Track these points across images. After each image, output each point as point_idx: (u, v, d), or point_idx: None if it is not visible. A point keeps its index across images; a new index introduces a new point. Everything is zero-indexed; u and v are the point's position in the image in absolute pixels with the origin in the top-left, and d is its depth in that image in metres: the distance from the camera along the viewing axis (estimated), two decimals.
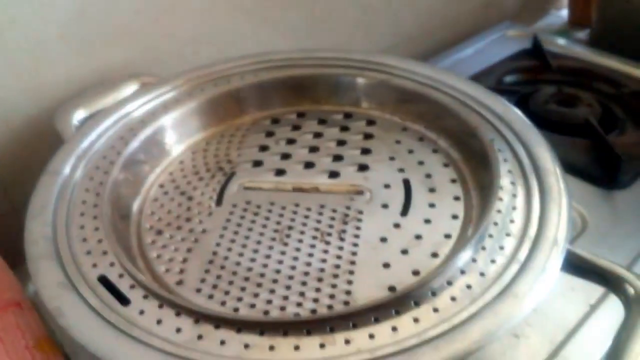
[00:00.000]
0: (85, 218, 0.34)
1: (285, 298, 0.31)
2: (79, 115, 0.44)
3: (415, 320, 0.26)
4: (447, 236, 0.33)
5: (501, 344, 0.36)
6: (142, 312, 0.28)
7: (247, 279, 0.32)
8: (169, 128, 0.42)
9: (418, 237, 0.33)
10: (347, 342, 0.26)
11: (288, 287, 0.31)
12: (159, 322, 0.28)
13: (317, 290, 0.31)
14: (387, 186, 0.37)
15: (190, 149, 0.43)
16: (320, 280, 0.31)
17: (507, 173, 0.34)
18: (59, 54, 0.47)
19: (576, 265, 0.29)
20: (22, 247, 0.32)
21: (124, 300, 0.29)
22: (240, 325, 0.27)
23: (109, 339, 0.27)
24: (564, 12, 0.75)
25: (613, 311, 0.31)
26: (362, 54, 0.46)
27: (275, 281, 0.32)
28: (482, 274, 0.28)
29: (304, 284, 0.31)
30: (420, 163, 0.39)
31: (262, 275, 0.32)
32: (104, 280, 0.30)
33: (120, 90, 0.46)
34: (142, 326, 0.27)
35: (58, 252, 0.32)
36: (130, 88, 0.46)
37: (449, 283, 0.28)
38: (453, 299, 0.27)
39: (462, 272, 0.28)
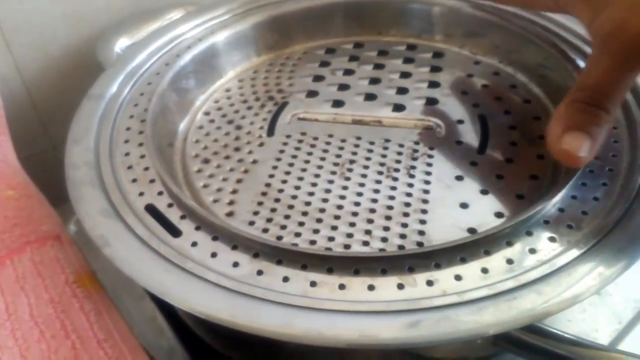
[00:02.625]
0: (130, 145, 0.31)
1: (350, 236, 0.27)
2: (121, 43, 0.40)
3: (509, 261, 0.22)
4: (533, 177, 0.29)
5: (578, 306, 0.32)
6: (194, 244, 0.25)
7: (305, 213, 0.28)
8: (213, 54, 0.38)
9: (499, 177, 0.29)
10: (429, 283, 0.22)
11: (352, 224, 0.28)
12: (213, 255, 0.25)
13: (386, 229, 0.27)
14: (460, 122, 0.33)
15: (237, 77, 0.39)
16: (388, 218, 0.28)
17: None
18: None
19: None
20: (62, 185, 0.29)
21: (174, 231, 0.26)
22: (306, 261, 0.23)
23: (159, 271, 0.24)
24: None
25: None
26: None
27: (337, 217, 0.28)
28: (584, 212, 0.24)
29: (370, 221, 0.28)
30: (498, 99, 0.34)
31: (322, 210, 0.29)
32: (152, 210, 0.27)
33: (163, 17, 0.42)
34: (195, 259, 0.24)
35: (102, 178, 0.28)
36: (174, 15, 0.42)
37: (546, 222, 0.24)
38: (552, 239, 0.23)
39: (561, 210, 0.25)
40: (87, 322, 0.27)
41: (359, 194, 0.29)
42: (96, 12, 0.45)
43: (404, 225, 0.27)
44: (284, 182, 0.30)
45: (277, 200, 0.29)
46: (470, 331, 0.20)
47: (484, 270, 0.22)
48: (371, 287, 0.22)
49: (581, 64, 0.32)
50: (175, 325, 0.31)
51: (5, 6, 0.41)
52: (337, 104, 0.36)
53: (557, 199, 0.25)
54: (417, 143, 0.32)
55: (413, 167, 0.30)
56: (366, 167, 0.31)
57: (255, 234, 0.25)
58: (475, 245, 0.23)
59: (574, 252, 0.23)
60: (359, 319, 0.21)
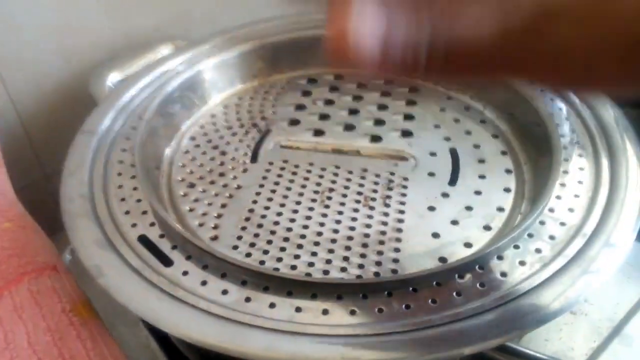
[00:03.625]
0: (122, 178, 0.32)
1: (328, 262, 0.29)
2: (113, 77, 0.41)
3: (482, 285, 0.25)
4: (500, 209, 0.31)
5: (557, 321, 0.34)
6: (185, 273, 0.26)
7: (286, 239, 0.30)
8: (200, 80, 0.39)
9: (468, 208, 0.32)
10: (407, 307, 0.24)
11: (331, 251, 0.29)
12: (203, 283, 0.26)
13: (362, 256, 0.29)
14: (433, 154, 0.35)
15: (222, 103, 0.40)
16: (365, 246, 0.30)
17: (568, 144, 0.32)
18: (91, 16, 0.45)
19: None
20: (57, 215, 0.30)
21: (166, 260, 0.27)
22: (291, 288, 0.25)
23: (152, 299, 0.25)
24: None
25: None
26: None
27: (316, 244, 0.30)
28: (551, 238, 0.27)
29: (347, 248, 0.29)
30: (468, 133, 0.37)
31: (302, 236, 0.30)
32: (145, 240, 0.28)
33: (153, 52, 0.43)
34: (186, 287, 0.26)
35: (95, 210, 0.30)
36: (163, 51, 0.43)
37: (516, 247, 0.27)
38: (522, 263, 0.26)
39: (530, 235, 0.27)
40: (83, 349, 0.28)
41: (338, 222, 0.31)
42: (88, 47, 0.46)
43: (380, 253, 0.29)
44: (267, 208, 0.32)
45: (259, 225, 0.31)
46: (446, 354, 0.22)
47: (458, 294, 0.24)
48: (353, 312, 0.24)
49: (547, 105, 0.35)
50: (168, 351, 0.32)
51: (1, 45, 0.42)
52: (318, 132, 0.37)
53: (526, 225, 0.27)
54: (392, 174, 0.34)
55: (388, 197, 0.32)
56: (344, 195, 0.33)
57: (244, 262, 0.26)
58: (449, 271, 0.25)
59: (542, 275, 0.25)
60: (341, 342, 0.23)
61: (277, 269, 0.28)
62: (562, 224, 0.28)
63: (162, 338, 0.33)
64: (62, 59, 0.45)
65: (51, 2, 0.42)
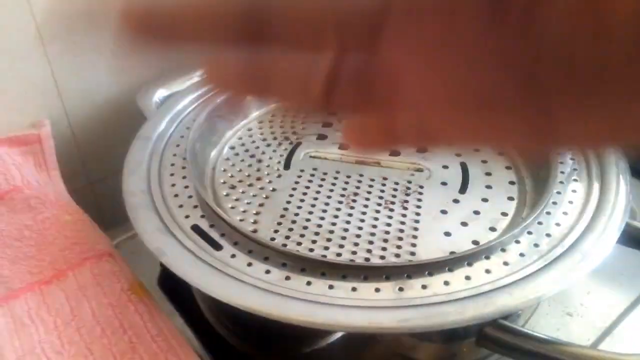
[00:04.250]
0: (175, 177, 0.37)
1: (354, 253, 0.33)
2: (160, 94, 0.46)
3: (487, 271, 0.29)
4: (504, 214, 0.36)
5: (555, 321, 0.38)
6: (233, 256, 0.31)
7: (317, 233, 0.35)
8: (238, 99, 0.44)
9: (476, 212, 0.36)
10: (423, 287, 0.28)
11: (356, 244, 0.34)
12: (249, 264, 0.30)
13: (384, 249, 0.33)
14: (445, 167, 0.40)
15: (257, 119, 0.45)
16: (385, 240, 0.34)
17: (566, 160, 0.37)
18: None
19: (634, 238, 0.32)
20: (101, 217, 0.34)
21: (216, 245, 0.31)
22: (325, 270, 0.29)
23: (206, 274, 0.29)
24: None
25: None
26: None
27: (343, 238, 0.34)
28: (548, 235, 0.31)
29: (370, 242, 0.34)
30: (476, 150, 0.41)
31: (330, 232, 0.35)
32: (197, 229, 0.33)
33: (195, 73, 0.48)
34: (234, 267, 0.30)
35: (154, 203, 0.34)
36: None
37: (517, 242, 0.31)
38: (522, 254, 0.30)
39: (529, 232, 0.31)
40: (141, 321, 0.32)
41: (362, 220, 0.35)
42: (137, 67, 0.51)
43: (399, 247, 0.34)
44: (299, 207, 0.37)
45: (293, 221, 0.35)
46: (455, 322, 0.26)
47: (467, 278, 0.29)
48: (377, 290, 0.28)
49: None
50: (203, 339, 0.36)
51: (62, 59, 0.47)
52: (343, 146, 0.42)
53: (527, 222, 0.31)
54: (409, 182, 0.39)
55: (406, 201, 0.37)
56: (367, 199, 0.37)
57: (284, 248, 0.31)
58: (460, 259, 0.29)
59: (538, 264, 0.29)
60: (368, 312, 0.27)
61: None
62: (557, 224, 0.32)
63: (196, 327, 0.37)
64: (113, 76, 0.50)
65: (108, 22, 0.48)
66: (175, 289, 0.40)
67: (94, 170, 0.54)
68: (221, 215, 0.32)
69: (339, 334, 0.33)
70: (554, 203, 0.34)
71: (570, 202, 0.34)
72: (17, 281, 0.34)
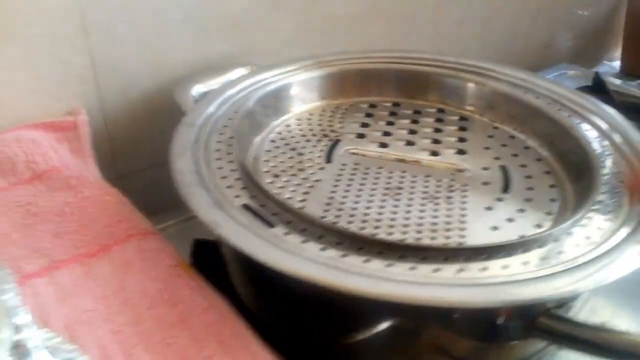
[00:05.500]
0: (221, 162, 0.37)
1: (403, 240, 0.33)
2: (197, 89, 0.47)
3: (543, 258, 0.29)
4: (548, 213, 0.36)
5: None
6: (287, 234, 0.31)
7: (364, 221, 0.35)
8: (283, 93, 0.45)
9: (521, 210, 0.36)
10: (482, 269, 0.28)
11: (404, 233, 0.34)
12: (304, 242, 0.30)
13: (432, 238, 0.33)
14: (485, 168, 0.40)
15: (295, 117, 0.46)
16: (434, 231, 0.34)
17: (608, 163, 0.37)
18: (179, 36, 0.51)
19: None
20: None
21: (269, 223, 0.31)
22: (383, 249, 0.29)
23: (263, 247, 0.29)
24: (617, 64, 0.81)
25: None
26: (455, 57, 0.50)
27: (391, 226, 0.34)
28: (599, 228, 0.31)
29: (419, 232, 0.34)
30: (514, 155, 0.42)
31: (378, 220, 0.35)
32: (248, 208, 0.33)
33: (230, 73, 0.49)
34: (290, 243, 0.30)
35: (204, 182, 0.34)
36: (240, 72, 0.49)
37: (569, 234, 0.31)
38: (577, 245, 0.30)
39: (581, 226, 0.32)
40: (190, 294, 0.31)
41: (408, 212, 0.36)
42: (173, 64, 0.52)
43: (447, 237, 0.34)
44: (344, 197, 0.37)
45: (339, 209, 0.36)
46: (514, 301, 0.26)
47: (525, 263, 0.29)
48: (436, 270, 0.28)
49: (584, 132, 0.40)
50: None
51: (101, 52, 0.48)
52: (382, 145, 0.43)
53: (579, 216, 0.32)
54: (452, 180, 0.39)
55: (450, 197, 0.37)
56: (412, 193, 0.37)
57: (341, 227, 0.31)
58: (516, 245, 0.30)
59: (594, 253, 0.29)
60: (430, 287, 0.27)
61: None
62: (609, 220, 0.32)
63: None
64: (150, 71, 0.51)
65: (147, 20, 0.49)
66: (206, 278, 0.40)
67: (123, 165, 0.53)
68: (273, 194, 0.33)
69: (382, 325, 0.32)
70: (600, 201, 0.34)
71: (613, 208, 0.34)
72: (61, 253, 0.34)
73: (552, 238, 0.31)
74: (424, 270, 0.28)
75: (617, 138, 0.40)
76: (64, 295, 0.31)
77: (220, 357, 0.28)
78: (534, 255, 0.30)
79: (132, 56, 0.50)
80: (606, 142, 0.40)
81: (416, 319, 0.32)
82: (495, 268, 0.29)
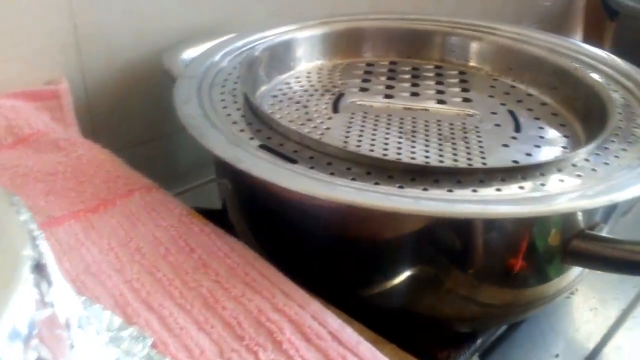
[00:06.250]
0: (229, 109, 0.35)
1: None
2: (188, 54, 0.44)
3: (542, 184, 0.28)
4: (564, 147, 0.36)
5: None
6: (312, 167, 0.29)
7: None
8: (275, 55, 0.44)
9: (537, 146, 0.36)
10: (497, 189, 0.27)
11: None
12: (332, 174, 0.28)
13: None
14: (494, 113, 0.40)
15: (293, 76, 0.44)
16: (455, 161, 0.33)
17: (617, 98, 0.37)
18: (166, 2, 0.49)
19: None
20: None
21: (291, 160, 0.30)
22: (414, 175, 0.28)
23: (292, 176, 0.27)
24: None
25: None
26: (448, 17, 0.49)
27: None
28: (616, 157, 0.31)
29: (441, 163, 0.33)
30: (519, 101, 0.42)
31: (398, 159, 0.33)
32: (266, 148, 0.31)
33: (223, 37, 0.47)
34: (317, 174, 0.28)
35: (215, 125, 0.32)
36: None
37: (587, 160, 0.31)
38: (593, 169, 0.30)
39: (586, 160, 0.31)
40: (209, 240, 0.29)
41: (427, 152, 0.34)
42: (160, 32, 0.50)
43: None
44: (359, 142, 0.35)
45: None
46: (565, 209, 0.25)
47: (542, 184, 0.28)
48: (474, 190, 0.27)
49: (588, 74, 0.40)
50: None
51: (85, 16, 0.45)
52: (388, 96, 0.42)
53: (591, 148, 0.31)
54: (464, 124, 0.38)
55: (466, 138, 0.36)
56: (427, 135, 0.36)
57: (371, 155, 0.29)
58: (532, 168, 0.29)
59: (618, 175, 0.29)
60: (473, 204, 0.26)
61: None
62: (624, 149, 0.32)
63: None
64: (135, 38, 0.48)
65: None
66: None
67: (104, 142, 0.50)
68: (293, 129, 0.31)
69: (402, 275, 0.31)
70: (616, 134, 0.34)
71: (634, 135, 0.34)
72: (56, 210, 0.31)
73: (570, 162, 0.30)
74: (462, 192, 0.27)
75: (620, 77, 0.40)
76: (66, 249, 0.29)
77: (250, 296, 0.26)
78: (563, 176, 0.29)
79: (118, 22, 0.47)
80: (610, 81, 0.40)
81: (445, 253, 0.30)
82: (510, 189, 0.28)
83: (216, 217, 0.33)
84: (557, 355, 0.35)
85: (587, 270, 0.35)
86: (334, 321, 0.25)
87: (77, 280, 0.27)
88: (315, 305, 0.26)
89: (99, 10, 0.46)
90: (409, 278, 0.31)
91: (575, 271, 0.33)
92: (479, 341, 0.35)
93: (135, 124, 0.51)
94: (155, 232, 0.30)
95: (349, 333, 0.24)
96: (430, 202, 0.26)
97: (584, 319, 0.38)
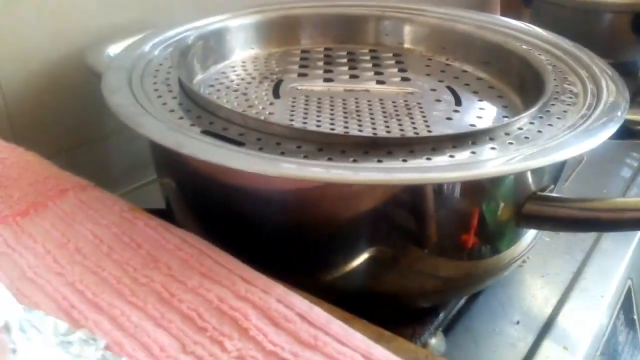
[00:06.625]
0: (164, 98, 0.33)
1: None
2: (113, 50, 0.42)
3: (492, 148, 0.28)
4: (505, 116, 0.36)
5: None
6: (261, 149, 0.28)
7: None
8: (207, 45, 0.42)
9: (479, 117, 0.36)
10: (428, 158, 0.27)
11: None
12: (282, 153, 0.27)
13: None
14: (433, 89, 0.40)
15: (228, 65, 0.43)
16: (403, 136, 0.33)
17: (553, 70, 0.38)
18: (82, 1, 0.46)
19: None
20: None
21: (237, 143, 0.28)
22: (367, 149, 0.27)
23: (242, 157, 0.26)
24: None
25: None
26: (378, 2, 0.50)
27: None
28: (559, 118, 0.32)
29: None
30: (455, 77, 0.42)
31: (346, 132, 0.33)
32: (210, 133, 0.29)
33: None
34: (268, 155, 0.27)
35: (151, 115, 0.30)
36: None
37: (532, 123, 0.31)
38: (539, 131, 0.30)
39: (531, 123, 0.31)
40: (156, 234, 0.27)
41: (374, 129, 0.34)
42: (79, 31, 0.46)
43: None
44: (305, 122, 0.34)
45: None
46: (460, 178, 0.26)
47: (493, 147, 0.28)
48: (428, 158, 0.27)
49: (519, 46, 0.41)
50: None
51: None
52: (327, 80, 0.41)
53: (534, 111, 0.32)
54: (406, 101, 0.38)
55: (410, 114, 0.36)
56: (372, 113, 0.36)
57: (321, 130, 0.28)
58: (482, 133, 0.29)
59: (560, 137, 0.29)
60: (430, 172, 0.25)
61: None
62: (565, 111, 0.33)
63: None
64: (51, 39, 0.45)
65: None
66: None
67: (24, 141, 0.46)
68: (238, 111, 0.29)
69: (360, 256, 0.30)
70: (555, 98, 0.35)
71: (571, 97, 0.35)
72: None
73: (516, 125, 0.31)
74: (417, 161, 0.27)
75: (546, 45, 0.42)
76: None
77: (208, 286, 0.24)
78: (511, 139, 0.29)
79: (32, 21, 0.44)
80: (538, 50, 0.41)
81: (403, 229, 0.30)
82: (485, 152, 0.28)
83: (161, 217, 0.31)
84: (517, 322, 0.36)
85: (538, 237, 0.36)
86: (301, 303, 0.24)
87: (12, 287, 0.24)
88: (280, 289, 0.24)
89: (11, 10, 0.42)
90: (367, 259, 0.31)
91: (528, 238, 0.34)
92: (441, 316, 0.35)
93: (61, 129, 0.48)
94: (95, 231, 0.27)
95: (318, 313, 0.23)
96: (381, 172, 0.25)
97: (538, 285, 0.39)
